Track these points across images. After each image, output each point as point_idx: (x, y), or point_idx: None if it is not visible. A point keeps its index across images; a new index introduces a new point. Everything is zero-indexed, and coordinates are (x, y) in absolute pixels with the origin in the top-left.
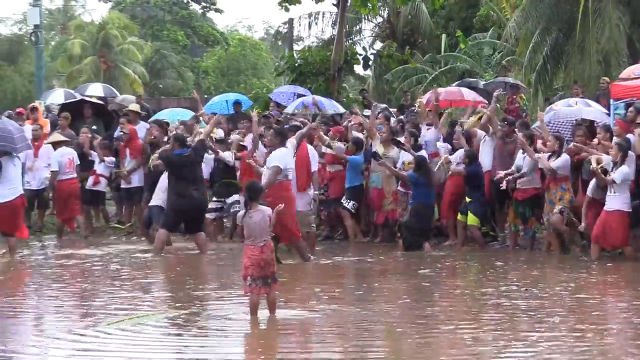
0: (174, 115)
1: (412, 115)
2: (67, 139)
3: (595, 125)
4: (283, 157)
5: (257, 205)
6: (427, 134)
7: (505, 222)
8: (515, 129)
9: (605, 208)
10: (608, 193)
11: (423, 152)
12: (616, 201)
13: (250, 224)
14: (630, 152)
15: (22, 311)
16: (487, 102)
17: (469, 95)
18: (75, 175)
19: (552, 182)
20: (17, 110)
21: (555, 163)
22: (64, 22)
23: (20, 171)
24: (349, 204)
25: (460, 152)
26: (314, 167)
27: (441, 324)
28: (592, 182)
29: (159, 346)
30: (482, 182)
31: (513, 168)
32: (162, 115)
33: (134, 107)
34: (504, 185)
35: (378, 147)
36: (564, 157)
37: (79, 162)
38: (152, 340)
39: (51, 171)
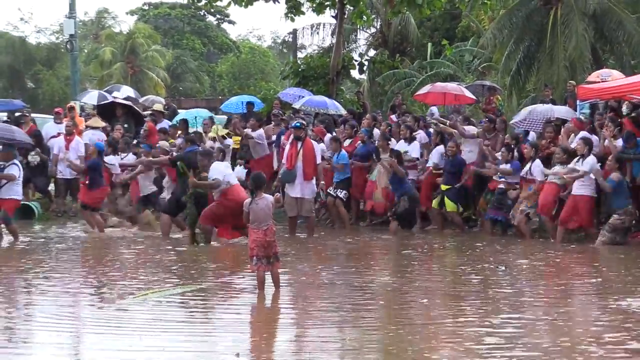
0: (191, 114)
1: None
2: (104, 124)
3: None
4: (219, 169)
5: (261, 193)
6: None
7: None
8: (496, 126)
9: (573, 193)
10: (577, 180)
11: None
12: (584, 187)
13: (257, 210)
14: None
15: (54, 285)
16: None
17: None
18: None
19: (524, 182)
20: (55, 110)
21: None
22: (96, 32)
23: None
24: (341, 193)
25: (439, 149)
26: (319, 159)
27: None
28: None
29: (180, 315)
30: (462, 170)
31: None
32: (182, 115)
33: (158, 106)
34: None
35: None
36: (538, 165)
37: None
38: (174, 311)
39: (85, 143)
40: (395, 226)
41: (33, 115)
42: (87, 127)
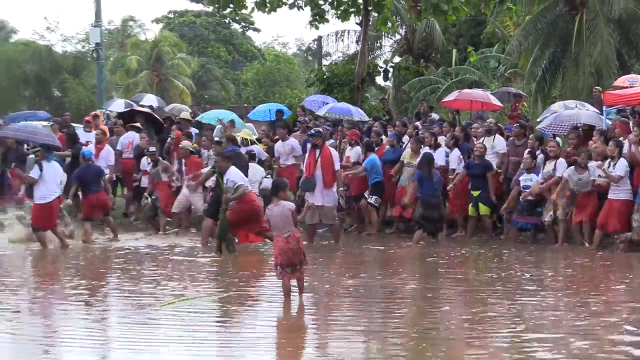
0: (212, 115)
1: (428, 124)
2: (139, 126)
3: (595, 129)
4: (239, 174)
5: (277, 200)
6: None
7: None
8: (526, 132)
9: (610, 197)
10: (612, 184)
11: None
12: (620, 190)
13: (272, 217)
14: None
15: (83, 294)
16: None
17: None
18: (132, 155)
19: (554, 184)
20: (86, 118)
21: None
22: (121, 40)
23: (59, 175)
24: (372, 199)
25: (456, 153)
26: (337, 166)
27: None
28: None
29: (207, 324)
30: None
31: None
32: (204, 117)
33: (185, 115)
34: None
35: (407, 156)
36: (562, 163)
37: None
38: (201, 319)
39: (116, 150)
40: (419, 235)
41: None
42: (130, 126)
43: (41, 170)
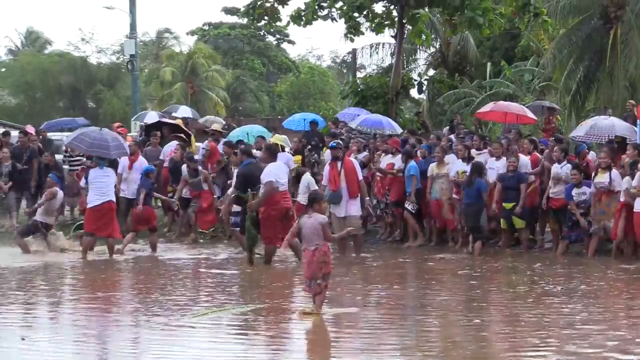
0: (243, 131)
1: (462, 136)
2: (182, 134)
3: (627, 142)
4: (273, 171)
5: (312, 212)
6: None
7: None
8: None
9: (636, 209)
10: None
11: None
12: None
13: (303, 229)
14: None
15: (118, 304)
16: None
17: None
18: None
19: (605, 195)
20: (118, 130)
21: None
22: (156, 52)
23: (112, 182)
24: (409, 206)
25: (502, 162)
26: (360, 176)
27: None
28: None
29: (239, 335)
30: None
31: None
32: (234, 133)
33: (217, 126)
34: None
35: (434, 168)
36: (618, 175)
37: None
38: (232, 330)
39: (160, 159)
40: (479, 246)
41: None
42: (174, 136)
43: (86, 178)
